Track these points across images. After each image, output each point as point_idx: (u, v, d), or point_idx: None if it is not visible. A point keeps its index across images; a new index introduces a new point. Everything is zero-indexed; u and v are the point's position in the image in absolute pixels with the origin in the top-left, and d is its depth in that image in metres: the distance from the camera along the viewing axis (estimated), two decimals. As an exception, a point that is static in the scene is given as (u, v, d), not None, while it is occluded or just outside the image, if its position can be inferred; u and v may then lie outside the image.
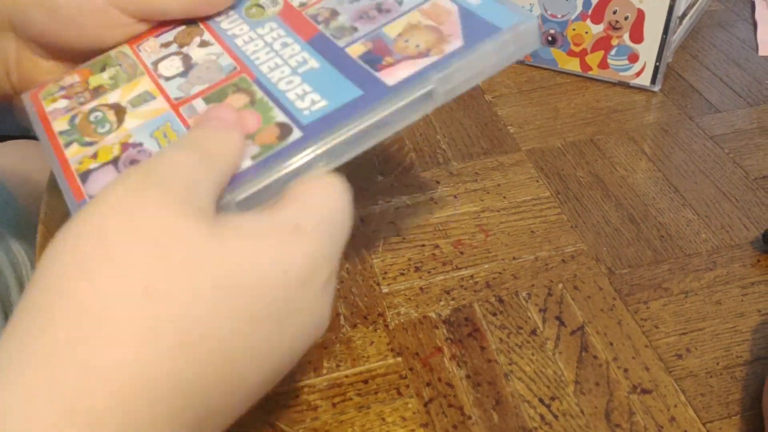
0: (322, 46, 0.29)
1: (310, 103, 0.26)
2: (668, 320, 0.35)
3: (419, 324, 0.35)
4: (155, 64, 0.31)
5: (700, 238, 0.39)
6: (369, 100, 0.26)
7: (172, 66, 0.30)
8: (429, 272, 0.38)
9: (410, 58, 0.27)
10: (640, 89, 0.51)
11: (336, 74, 0.27)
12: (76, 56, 0.31)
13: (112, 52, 0.32)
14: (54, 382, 0.16)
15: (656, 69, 0.50)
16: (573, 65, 0.52)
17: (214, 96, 0.28)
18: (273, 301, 0.19)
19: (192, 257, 0.17)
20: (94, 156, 0.27)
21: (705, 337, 0.34)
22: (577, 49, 0.52)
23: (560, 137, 0.47)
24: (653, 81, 0.50)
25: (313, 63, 0.28)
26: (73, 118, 0.29)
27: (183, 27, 0.32)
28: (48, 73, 0.31)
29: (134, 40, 0.33)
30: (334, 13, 0.30)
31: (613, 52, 0.51)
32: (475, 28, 0.27)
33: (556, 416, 0.31)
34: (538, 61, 0.54)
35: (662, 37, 0.49)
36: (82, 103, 0.30)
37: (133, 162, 0.27)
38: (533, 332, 0.34)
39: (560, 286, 0.37)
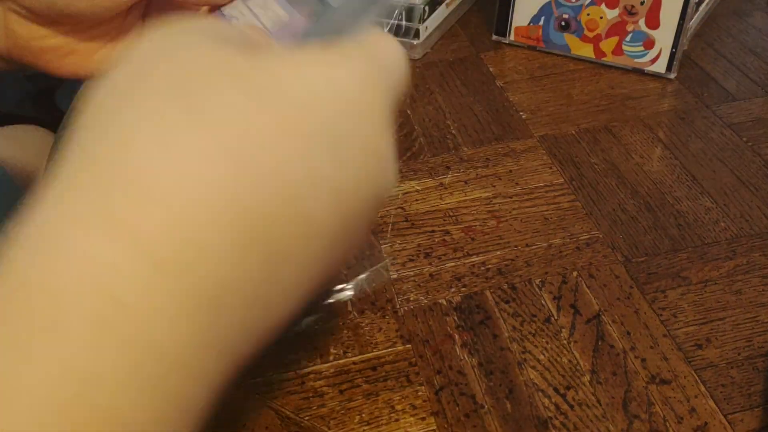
0: None
1: None
2: (687, 309, 0.34)
3: (429, 311, 0.34)
4: None
5: (719, 226, 0.38)
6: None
7: None
8: (439, 258, 0.37)
9: None
10: (656, 76, 0.50)
11: None
12: (71, 20, 0.31)
13: None
14: (98, 204, 0.14)
15: (672, 56, 0.49)
16: (586, 51, 0.51)
17: None
18: (324, 118, 0.17)
19: (232, 70, 0.16)
20: None
21: (725, 327, 0.33)
22: (591, 35, 0.50)
23: (574, 124, 0.46)
24: (669, 68, 0.49)
25: None
26: None
27: None
28: (46, 36, 0.31)
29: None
30: None
31: (628, 38, 0.49)
32: None
33: (571, 406, 0.30)
34: (550, 47, 0.53)
35: (679, 23, 0.48)
36: None
37: None
38: (547, 320, 0.33)
39: (575, 273, 0.36)
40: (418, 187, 0.41)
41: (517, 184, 0.41)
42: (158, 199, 0.14)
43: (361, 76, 0.18)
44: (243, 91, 0.16)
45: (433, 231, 0.38)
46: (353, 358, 0.32)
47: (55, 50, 0.31)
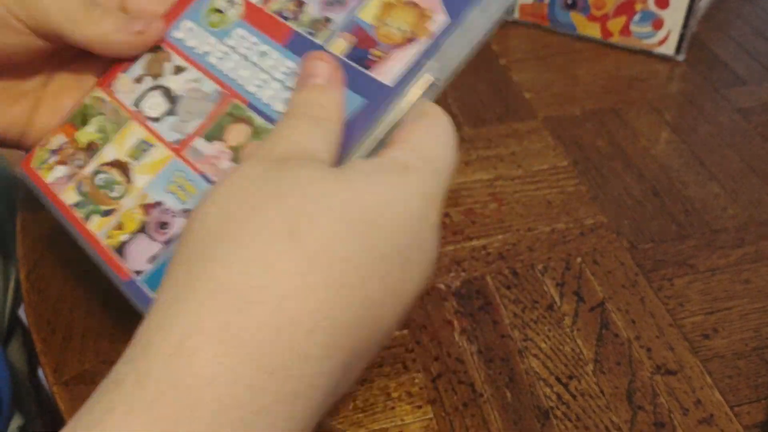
0: (302, 47, 0.26)
1: None
2: (694, 298, 0.32)
3: (427, 295, 0.33)
4: (137, 105, 0.29)
5: (727, 213, 0.37)
6: (374, 106, 0.23)
7: (155, 104, 0.28)
8: (438, 241, 0.36)
9: (399, 47, 0.24)
10: (664, 58, 0.48)
11: None
12: None
13: (87, 99, 0.30)
14: (218, 316, 0.17)
15: (682, 37, 0.47)
16: (593, 30, 0.50)
17: (213, 132, 0.26)
18: (399, 237, 0.19)
19: (325, 200, 0.19)
20: (120, 227, 0.26)
21: (733, 317, 0.32)
22: (598, 14, 0.49)
23: (579, 105, 0.45)
24: (678, 50, 0.48)
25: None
26: (79, 186, 0.28)
27: (147, 54, 0.30)
28: None
29: (103, 80, 0.30)
30: (300, 4, 0.27)
31: (636, 17, 0.48)
32: None
33: (573, 396, 0.29)
34: (555, 25, 0.51)
35: (689, 3, 0.46)
36: (80, 167, 0.28)
37: (162, 224, 0.26)
38: (550, 307, 0.32)
39: (579, 259, 0.34)
40: (417, 168, 0.40)
41: (519, 166, 0.40)
42: (266, 314, 0.17)
43: (426, 192, 0.21)
44: (336, 219, 0.19)
45: (432, 213, 0.37)
46: (348, 343, 0.31)
47: None
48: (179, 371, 0.16)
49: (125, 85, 0.29)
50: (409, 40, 0.24)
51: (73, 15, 0.27)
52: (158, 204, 0.26)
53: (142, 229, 0.26)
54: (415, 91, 0.23)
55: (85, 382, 0.29)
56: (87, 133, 0.29)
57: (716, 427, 0.27)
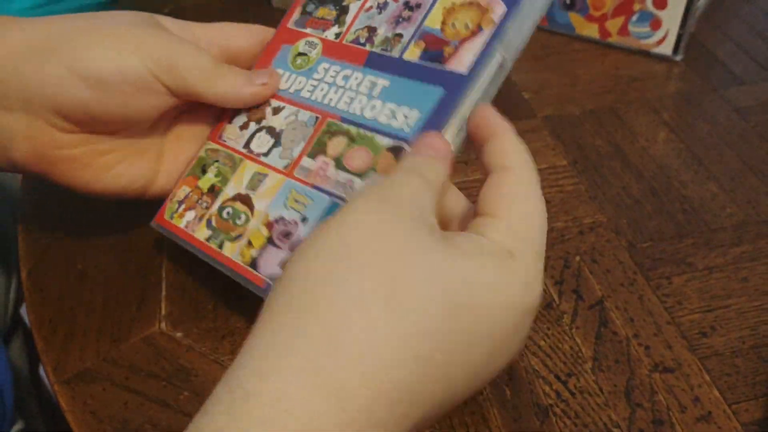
0: (380, 63, 0.29)
1: (403, 118, 0.28)
2: (692, 297, 0.33)
3: (427, 294, 0.33)
4: (246, 146, 0.32)
5: (726, 212, 0.37)
6: (453, 94, 0.26)
7: (262, 142, 0.31)
8: (438, 240, 0.36)
9: (467, 40, 0.27)
10: (662, 58, 0.49)
11: (409, 83, 0.28)
12: (110, 126, 0.31)
13: (201, 152, 0.33)
14: (313, 373, 0.18)
15: (679, 37, 0.47)
16: (591, 31, 0.50)
17: (316, 149, 0.29)
18: (494, 326, 0.20)
19: (426, 272, 0.19)
20: (249, 244, 0.29)
21: (731, 315, 0.32)
22: (596, 14, 0.49)
23: (578, 105, 0.45)
24: (676, 50, 0.48)
25: (383, 82, 0.29)
26: (208, 222, 0.31)
27: None
28: (67, 146, 0.30)
29: (212, 134, 0.33)
30: (372, 30, 0.31)
31: (634, 18, 0.48)
32: None
33: (573, 393, 0.29)
34: (554, 26, 0.51)
35: (687, 4, 0.46)
36: (207, 208, 0.31)
37: (286, 234, 0.28)
38: (549, 305, 0.32)
39: (578, 258, 0.35)
40: (417, 167, 0.40)
41: (518, 165, 0.40)
42: (357, 365, 0.18)
43: (528, 281, 0.21)
44: (434, 294, 0.19)
45: (432, 212, 0.37)
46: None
47: (72, 161, 0.31)
48: (277, 425, 0.17)
49: (233, 133, 0.32)
50: (475, 33, 0.27)
51: (207, 74, 0.30)
52: (280, 219, 0.29)
53: (269, 242, 0.29)
54: (488, 72, 0.26)
55: (86, 380, 0.30)
56: (207, 179, 0.32)
57: (714, 425, 0.28)
